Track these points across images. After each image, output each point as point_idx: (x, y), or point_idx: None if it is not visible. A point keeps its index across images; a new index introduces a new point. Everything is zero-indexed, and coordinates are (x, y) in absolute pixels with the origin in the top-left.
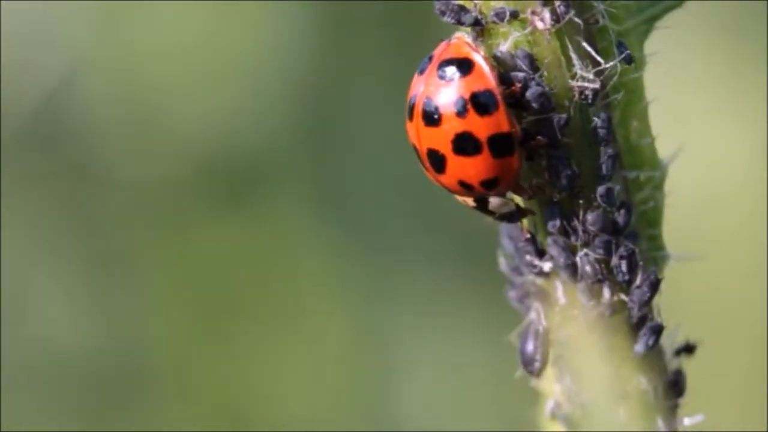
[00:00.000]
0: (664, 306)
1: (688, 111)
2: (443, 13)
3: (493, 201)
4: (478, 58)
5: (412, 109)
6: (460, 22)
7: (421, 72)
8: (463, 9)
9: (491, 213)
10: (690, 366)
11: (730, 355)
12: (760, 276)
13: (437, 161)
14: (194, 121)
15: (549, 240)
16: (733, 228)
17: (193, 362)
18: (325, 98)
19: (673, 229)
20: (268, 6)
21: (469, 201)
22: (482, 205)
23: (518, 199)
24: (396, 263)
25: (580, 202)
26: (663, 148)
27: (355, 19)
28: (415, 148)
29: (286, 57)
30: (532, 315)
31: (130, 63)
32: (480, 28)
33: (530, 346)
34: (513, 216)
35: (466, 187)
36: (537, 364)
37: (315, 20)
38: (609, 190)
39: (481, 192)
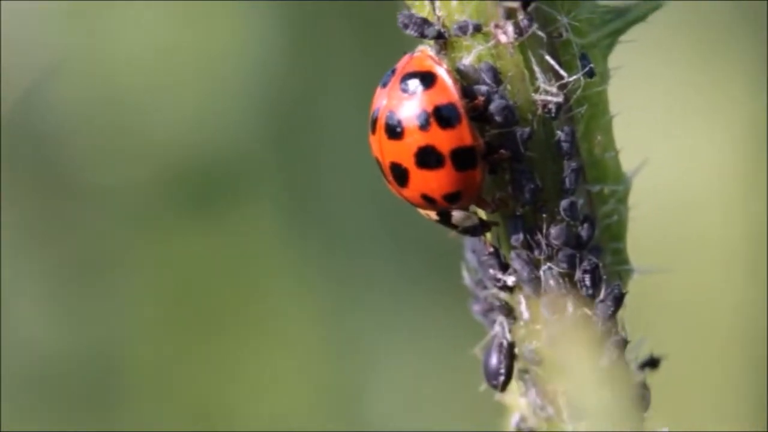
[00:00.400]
0: (631, 319)
1: (656, 124)
2: (406, 26)
3: (456, 214)
4: (441, 72)
5: (374, 122)
6: (423, 35)
7: (384, 85)
8: (426, 22)
9: (454, 226)
10: (656, 379)
11: (698, 367)
12: (731, 287)
13: (400, 175)
14: (167, 126)
15: (512, 254)
16: (702, 239)
17: (168, 366)
18: (298, 103)
19: (642, 241)
20: (240, 11)
21: (432, 214)
22: (445, 218)
23: (481, 213)
24: (366, 270)
25: (544, 215)
26: (630, 161)
27: (326, 23)
28: (377, 162)
29: (258, 62)
30: (496, 329)
31: (102, 68)
32: (443, 42)
33: (494, 361)
34: (476, 229)
35: (428, 201)
36: (501, 378)
37: (286, 25)
38: (572, 204)
39: (443, 205)
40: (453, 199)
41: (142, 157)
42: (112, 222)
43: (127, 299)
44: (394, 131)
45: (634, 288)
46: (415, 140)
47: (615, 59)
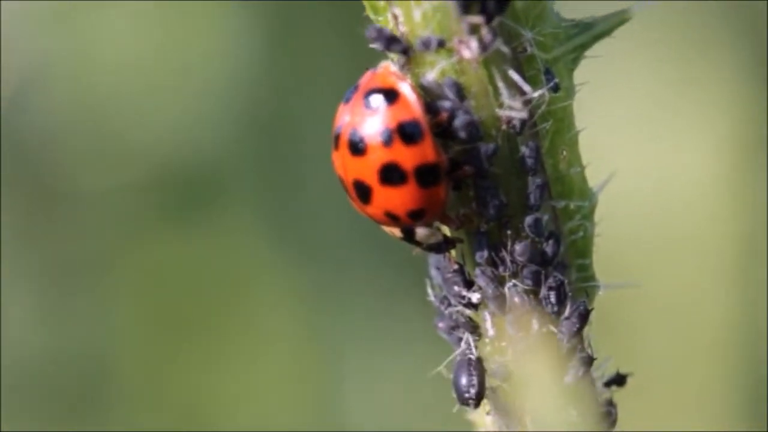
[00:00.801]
0: (601, 335)
1: (638, 132)
2: (374, 39)
3: (420, 231)
4: (404, 88)
5: (337, 139)
6: (388, 49)
7: (347, 101)
8: (393, 38)
9: (419, 243)
10: (623, 396)
11: (682, 373)
12: (716, 293)
13: (363, 192)
14: (149, 131)
15: (477, 271)
16: (685, 245)
17: (153, 368)
18: (279, 109)
19: (623, 249)
20: (220, 16)
21: (396, 232)
22: (409, 235)
23: (446, 230)
24: (346, 275)
25: (509, 232)
26: (608, 171)
27: (306, 28)
28: (340, 179)
29: (239, 68)
30: (462, 346)
31: (84, 73)
32: (407, 57)
33: (464, 379)
34: (441, 246)
35: (392, 218)
36: (472, 397)
37: (266, 29)
38: (537, 221)
39: (407, 223)
40: (417, 216)
41: (125, 162)
42: (96, 226)
43: (112, 303)
44: (357, 148)
45: (615, 297)
46: (378, 157)
47: (586, 73)
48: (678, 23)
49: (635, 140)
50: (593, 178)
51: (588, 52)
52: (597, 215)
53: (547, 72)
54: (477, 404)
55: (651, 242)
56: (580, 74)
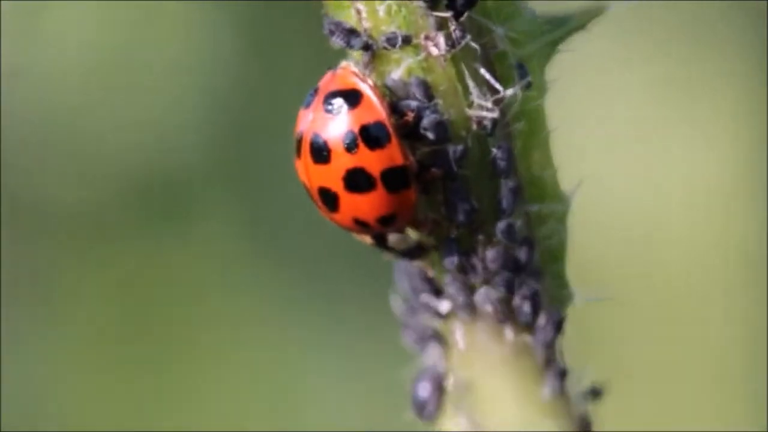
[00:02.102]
0: (587, 343)
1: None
2: (332, 33)
3: (392, 238)
4: (366, 88)
5: (299, 145)
6: (349, 46)
7: (307, 105)
8: (353, 32)
9: (391, 250)
10: (607, 405)
11: (659, 392)
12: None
13: (329, 200)
14: (121, 140)
15: (447, 278)
16: (674, 247)
17: (121, 380)
18: (254, 117)
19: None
20: (192, 23)
21: (367, 239)
22: (381, 242)
23: (418, 235)
24: (320, 283)
25: (480, 237)
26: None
27: (280, 34)
28: (305, 187)
29: (214, 75)
30: (429, 357)
31: (55, 82)
32: (370, 54)
33: (424, 391)
34: (414, 252)
35: (362, 225)
36: (430, 410)
37: (239, 37)
38: (510, 226)
39: (378, 229)
40: (387, 221)
41: (96, 171)
42: (68, 236)
43: (83, 312)
44: (320, 154)
45: (603, 304)
46: (342, 163)
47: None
48: (666, 21)
49: (622, 142)
50: (581, 181)
51: (562, 48)
52: (580, 220)
53: (520, 67)
54: (432, 420)
55: (639, 246)
56: (563, 72)
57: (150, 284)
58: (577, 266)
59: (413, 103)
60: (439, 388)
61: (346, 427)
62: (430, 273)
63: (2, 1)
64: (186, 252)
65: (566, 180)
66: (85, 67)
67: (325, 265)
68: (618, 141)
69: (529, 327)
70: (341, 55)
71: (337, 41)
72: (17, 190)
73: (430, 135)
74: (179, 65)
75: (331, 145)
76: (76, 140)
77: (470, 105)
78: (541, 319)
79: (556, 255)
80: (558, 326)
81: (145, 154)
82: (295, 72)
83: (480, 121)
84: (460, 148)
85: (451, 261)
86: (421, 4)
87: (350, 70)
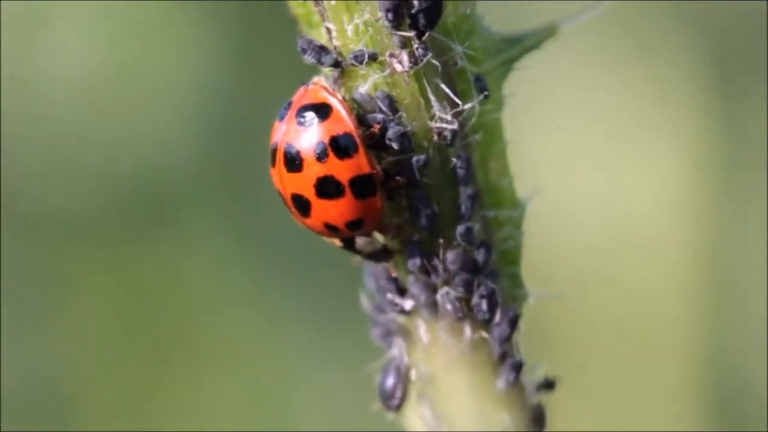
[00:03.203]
0: (550, 342)
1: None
2: (304, 51)
3: (359, 241)
4: (335, 102)
5: (274, 155)
6: (320, 62)
7: (281, 118)
8: (323, 49)
9: (359, 252)
10: (555, 400)
11: (621, 390)
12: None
13: (302, 205)
14: (112, 149)
15: (410, 278)
16: (639, 253)
17: (115, 383)
18: (243, 124)
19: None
20: (180, 32)
21: (336, 242)
22: (349, 245)
23: (384, 238)
24: (311, 287)
25: (441, 241)
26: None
27: (267, 43)
28: (279, 194)
29: (201, 83)
30: (395, 352)
31: (47, 93)
32: (340, 70)
33: (390, 383)
34: (380, 255)
35: (332, 229)
36: (395, 401)
37: (227, 45)
38: (468, 230)
39: (347, 233)
40: (355, 226)
41: (85, 181)
42: (60, 245)
43: (77, 321)
44: (293, 163)
45: (566, 305)
46: (314, 171)
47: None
48: (631, 35)
49: (582, 151)
50: (537, 189)
51: (517, 65)
52: (541, 226)
53: (478, 79)
54: (397, 410)
55: (602, 251)
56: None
57: (143, 287)
58: (540, 267)
59: (379, 116)
60: (404, 380)
61: (338, 421)
62: (395, 274)
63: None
64: (177, 255)
65: (523, 187)
66: (83, 80)
67: (315, 268)
68: (578, 150)
69: (487, 324)
70: (318, 71)
71: (308, 58)
72: (18, 200)
73: (395, 145)
74: (172, 79)
75: (303, 154)
76: (71, 148)
77: (432, 118)
78: (498, 317)
79: (513, 257)
80: (513, 323)
81: (139, 162)
82: (282, 82)
83: (441, 133)
84: (422, 157)
85: (414, 263)
86: (387, 24)
87: (321, 85)
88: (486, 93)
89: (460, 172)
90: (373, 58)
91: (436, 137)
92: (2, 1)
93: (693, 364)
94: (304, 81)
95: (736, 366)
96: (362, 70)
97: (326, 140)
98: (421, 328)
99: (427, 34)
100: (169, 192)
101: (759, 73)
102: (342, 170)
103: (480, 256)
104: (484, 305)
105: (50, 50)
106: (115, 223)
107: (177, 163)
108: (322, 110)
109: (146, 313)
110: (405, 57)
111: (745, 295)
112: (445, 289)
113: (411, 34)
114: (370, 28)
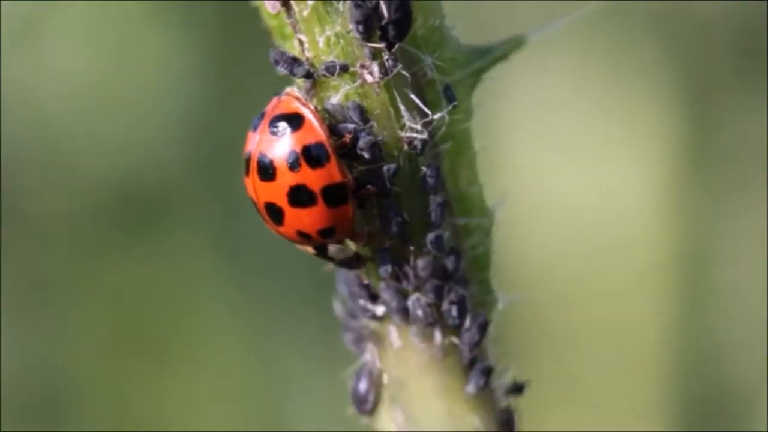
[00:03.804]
0: (506, 346)
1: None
2: (277, 62)
3: (332, 248)
4: (307, 112)
5: (247, 164)
6: (292, 73)
7: (255, 129)
8: (296, 60)
9: (331, 259)
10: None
11: (602, 393)
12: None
13: (275, 214)
14: (98, 154)
15: (382, 285)
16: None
17: (105, 385)
18: (226, 130)
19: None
20: (166, 40)
21: (309, 249)
22: (321, 252)
23: (356, 246)
24: (291, 293)
25: (411, 248)
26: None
27: (249, 50)
28: (253, 202)
29: (186, 90)
30: (367, 357)
31: (35, 98)
32: (312, 81)
33: (363, 387)
34: (352, 262)
35: (305, 237)
36: (368, 405)
37: (211, 52)
38: (438, 237)
39: (319, 241)
40: (327, 234)
41: (74, 184)
42: (47, 248)
43: (63, 322)
44: (267, 173)
45: (547, 308)
46: (286, 180)
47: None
48: (606, 40)
49: (556, 158)
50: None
51: (486, 75)
52: (515, 231)
53: (447, 89)
54: (371, 413)
55: (576, 254)
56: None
57: (134, 288)
58: (513, 270)
59: (350, 126)
60: (377, 385)
61: (313, 424)
62: (367, 280)
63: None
64: (161, 261)
65: (492, 195)
66: (72, 92)
67: (295, 274)
68: (551, 155)
69: (457, 329)
70: (289, 82)
71: (281, 69)
72: (6, 202)
73: (366, 155)
74: (156, 92)
75: (276, 164)
76: (60, 155)
77: (402, 127)
78: (468, 322)
79: (482, 264)
80: (483, 328)
81: (123, 169)
82: (266, 89)
83: (411, 142)
84: (392, 166)
85: (386, 269)
86: (357, 35)
87: (293, 96)
88: (455, 102)
89: (430, 180)
90: (344, 69)
91: (406, 146)
92: (2, 1)
93: (669, 365)
94: (277, 92)
95: (713, 365)
96: (334, 80)
97: (299, 150)
98: (393, 334)
99: (396, 46)
100: (153, 196)
101: (732, 75)
102: (314, 179)
103: (450, 262)
104: (454, 311)
105: (39, 55)
106: (102, 225)
107: (162, 169)
108: (295, 120)
109: (137, 313)
110: (375, 68)
111: (722, 294)
112: (416, 295)
113: (381, 45)
114: (341, 40)
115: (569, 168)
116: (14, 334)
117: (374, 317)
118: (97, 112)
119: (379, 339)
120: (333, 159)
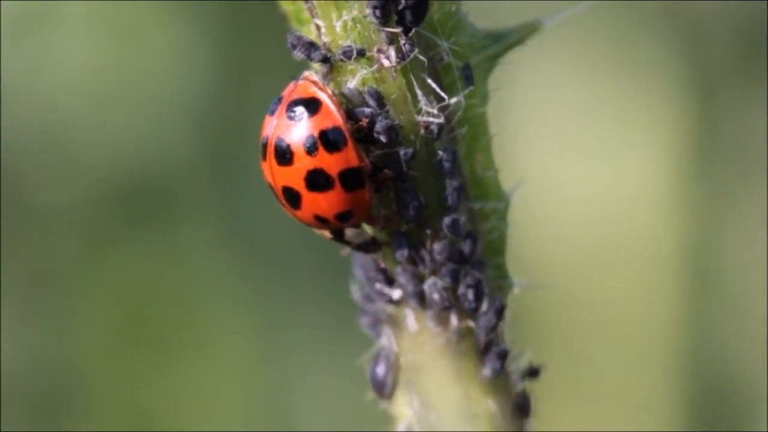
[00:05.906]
0: (521, 331)
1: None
2: (294, 46)
3: (349, 232)
4: (325, 97)
5: (264, 149)
6: (309, 58)
7: (272, 113)
8: (313, 45)
9: (348, 243)
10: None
11: (609, 384)
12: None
13: (292, 198)
14: (106, 146)
15: (398, 269)
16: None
17: (110, 377)
18: (233, 121)
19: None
20: (173, 32)
21: (326, 233)
22: (338, 236)
23: (372, 230)
24: (299, 283)
25: (428, 232)
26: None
27: (258, 42)
28: (270, 187)
29: (193, 83)
30: (383, 341)
31: (41, 90)
32: (329, 65)
33: (381, 371)
34: (368, 246)
35: (321, 221)
36: (387, 389)
37: (219, 44)
38: (455, 221)
39: (336, 225)
40: (344, 218)
41: (80, 175)
42: (53, 239)
43: (69, 314)
44: (284, 157)
45: (554, 298)
46: (304, 164)
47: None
48: (612, 34)
49: (566, 148)
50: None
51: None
52: (526, 217)
53: (466, 68)
54: (389, 397)
55: (587, 246)
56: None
57: (137, 284)
58: (525, 258)
59: (367, 110)
60: (394, 369)
61: (332, 410)
62: (383, 264)
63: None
64: (167, 253)
65: (507, 180)
66: (78, 84)
67: (302, 264)
68: (562, 143)
69: (473, 313)
70: (307, 67)
71: (298, 54)
72: (10, 194)
73: (383, 139)
74: (162, 83)
75: (294, 148)
76: (64, 146)
77: (419, 112)
78: (484, 306)
79: (498, 248)
80: (499, 312)
81: (130, 159)
82: (273, 77)
83: (427, 127)
84: (409, 150)
85: (402, 253)
86: (374, 20)
87: (311, 80)
88: (472, 86)
89: (446, 164)
90: (361, 53)
91: (422, 131)
92: (2, 1)
93: (675, 355)
94: (294, 76)
95: (719, 358)
96: (351, 65)
97: (316, 134)
98: (409, 318)
99: (413, 31)
100: (160, 187)
101: (737, 69)
102: (331, 163)
103: (466, 246)
104: (471, 295)
105: (46, 49)
106: (108, 216)
107: (169, 159)
108: (312, 105)
109: (142, 306)
110: (392, 53)
111: (727, 288)
112: (433, 279)
113: (398, 30)
114: (358, 25)
115: (576, 160)
116: (18, 327)
117: (391, 301)
118: (103, 104)
119: (395, 323)
120: (350, 143)
